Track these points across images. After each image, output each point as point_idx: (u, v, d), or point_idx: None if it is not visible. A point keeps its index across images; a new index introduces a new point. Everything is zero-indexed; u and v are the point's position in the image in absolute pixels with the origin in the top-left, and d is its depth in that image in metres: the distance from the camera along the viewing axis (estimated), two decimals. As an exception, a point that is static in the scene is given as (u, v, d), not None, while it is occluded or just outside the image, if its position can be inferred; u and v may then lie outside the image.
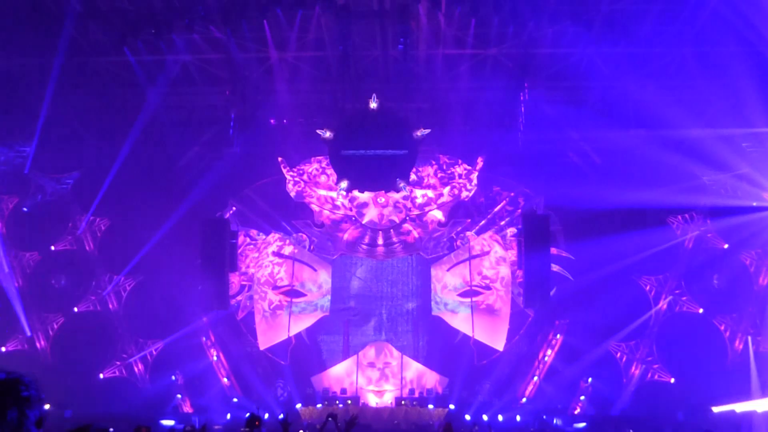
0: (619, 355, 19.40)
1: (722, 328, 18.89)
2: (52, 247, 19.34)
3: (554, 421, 18.46)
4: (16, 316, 18.10)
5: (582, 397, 19.08)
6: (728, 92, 15.95)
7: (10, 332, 18.58)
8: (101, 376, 18.90)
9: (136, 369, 19.36)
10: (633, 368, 19.23)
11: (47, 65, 15.71)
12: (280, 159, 19.63)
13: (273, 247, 20.21)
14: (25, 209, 19.20)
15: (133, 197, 18.25)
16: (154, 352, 19.43)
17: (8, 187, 18.88)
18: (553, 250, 18.72)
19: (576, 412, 18.89)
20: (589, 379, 19.04)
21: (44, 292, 19.19)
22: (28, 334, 18.46)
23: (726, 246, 18.78)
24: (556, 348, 19.56)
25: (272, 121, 18.91)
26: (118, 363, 19.24)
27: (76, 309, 19.23)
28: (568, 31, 15.54)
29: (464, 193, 19.85)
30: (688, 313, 19.03)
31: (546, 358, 19.61)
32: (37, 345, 18.86)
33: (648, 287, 19.33)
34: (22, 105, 17.16)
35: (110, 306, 19.47)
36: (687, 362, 18.24)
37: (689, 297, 19.08)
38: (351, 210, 19.91)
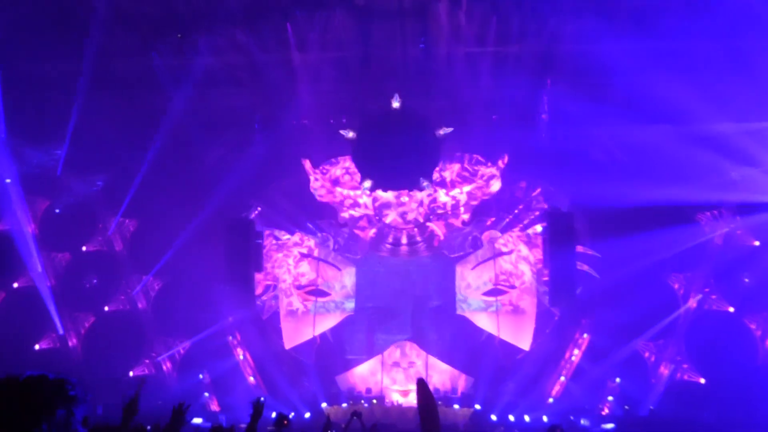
0: (647, 354, 19.09)
1: (753, 327, 18.42)
2: (83, 248, 19.81)
3: (581, 422, 18.23)
4: (49, 315, 18.56)
5: (610, 398, 18.82)
6: (756, 85, 15.61)
7: (43, 331, 19.06)
8: (131, 374, 19.26)
9: (164, 367, 19.70)
10: (662, 368, 18.89)
11: (76, 69, 16.11)
12: (304, 160, 19.80)
13: (297, 247, 20.39)
14: (57, 210, 19.70)
15: (160, 198, 18.58)
16: (182, 351, 19.74)
17: (41, 189, 19.39)
18: (579, 248, 18.54)
19: (604, 413, 18.63)
20: (617, 379, 18.78)
21: (76, 292, 19.64)
22: (61, 332, 18.92)
23: (757, 243, 18.34)
24: (583, 347, 19.32)
25: (294, 121, 19.06)
26: (146, 361, 19.59)
27: (106, 308, 19.65)
28: (591, 26, 15.37)
29: (488, 192, 19.77)
30: (718, 311, 18.62)
31: (573, 358, 19.39)
32: (69, 343, 19.32)
33: (676, 285, 18.99)
34: (53, 109, 17.63)
35: (139, 305, 19.85)
36: (717, 362, 17.85)
37: (719, 295, 18.67)
38: (374, 209, 19.98)
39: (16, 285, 18.91)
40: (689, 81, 15.53)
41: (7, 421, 1.89)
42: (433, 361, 19.83)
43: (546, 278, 19.20)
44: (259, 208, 20.08)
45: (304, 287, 20.20)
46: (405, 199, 19.77)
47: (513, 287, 19.88)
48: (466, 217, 20.02)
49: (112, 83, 17.39)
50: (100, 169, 19.67)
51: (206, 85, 17.77)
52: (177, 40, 16.36)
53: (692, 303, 18.77)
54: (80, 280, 19.85)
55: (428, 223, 20.04)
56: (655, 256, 17.55)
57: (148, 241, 19.44)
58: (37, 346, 19.00)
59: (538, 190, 19.92)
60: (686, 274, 18.93)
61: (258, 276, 19.46)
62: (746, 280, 18.47)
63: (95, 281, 19.93)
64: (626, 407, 18.54)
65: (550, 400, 19.11)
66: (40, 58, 16.29)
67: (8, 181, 17.41)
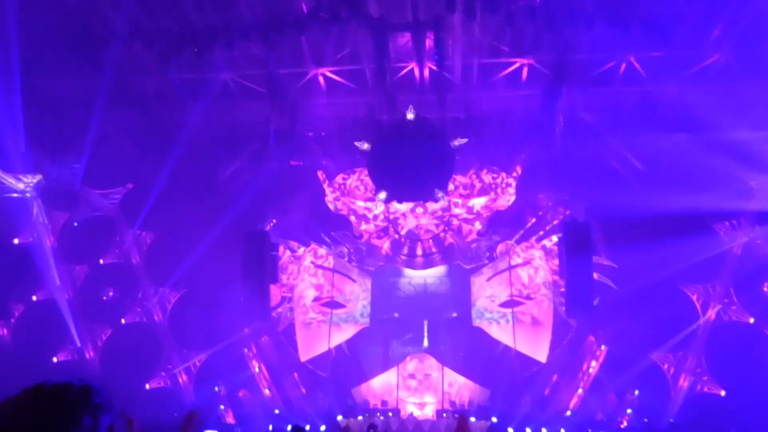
0: (666, 366, 18.84)
1: (775, 338, 18.17)
2: (101, 261, 19.96)
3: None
4: (67, 328, 18.69)
5: (628, 410, 18.58)
6: (775, 93, 15.50)
7: (62, 343, 19.19)
8: (147, 386, 19.31)
9: (180, 380, 19.73)
10: (681, 380, 18.63)
11: (95, 85, 16.31)
12: (319, 172, 19.88)
13: (313, 259, 20.42)
14: (75, 224, 19.90)
15: (177, 211, 18.70)
16: (198, 363, 19.78)
17: (60, 203, 19.60)
18: (596, 259, 18.41)
19: (622, 426, 18.40)
20: (636, 392, 18.55)
21: (93, 304, 19.79)
22: (78, 345, 19.03)
23: (777, 253, 18.13)
24: (601, 359, 19.14)
25: (309, 134, 19.20)
26: (163, 374, 19.64)
27: (123, 320, 19.76)
28: (605, 36, 15.36)
29: (503, 202, 19.72)
30: (738, 322, 18.37)
31: (590, 370, 19.20)
32: (87, 355, 19.42)
33: (695, 296, 18.76)
34: (73, 124, 17.87)
35: (155, 318, 19.94)
36: (738, 374, 17.57)
37: (739, 306, 18.43)
38: (389, 221, 19.99)
39: (35, 297, 19.07)
40: (706, 89, 15.46)
41: (34, 430, 1.89)
42: (449, 372, 19.71)
43: (562, 289, 19.06)
44: (274, 220, 20.15)
45: (320, 299, 20.21)
46: (420, 210, 19.78)
47: (529, 298, 19.76)
48: (481, 228, 19.97)
49: (131, 98, 17.61)
50: (118, 183, 19.89)
51: (222, 99, 17.96)
52: (194, 55, 16.53)
53: (711, 314, 18.53)
54: (98, 292, 20.00)
55: (443, 235, 20.01)
56: (673, 266, 17.36)
57: (165, 253, 19.57)
58: (54, 359, 19.10)
59: (554, 200, 19.84)
60: (705, 285, 18.70)
61: (273, 288, 19.49)
62: (766, 290, 18.23)
63: (112, 294, 20.08)
64: (645, 420, 18.30)
65: (568, 412, 18.91)
66: (60, 74, 16.53)
67: (28, 194, 17.63)
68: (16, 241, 18.31)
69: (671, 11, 15.08)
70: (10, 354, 18.39)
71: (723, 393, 18.09)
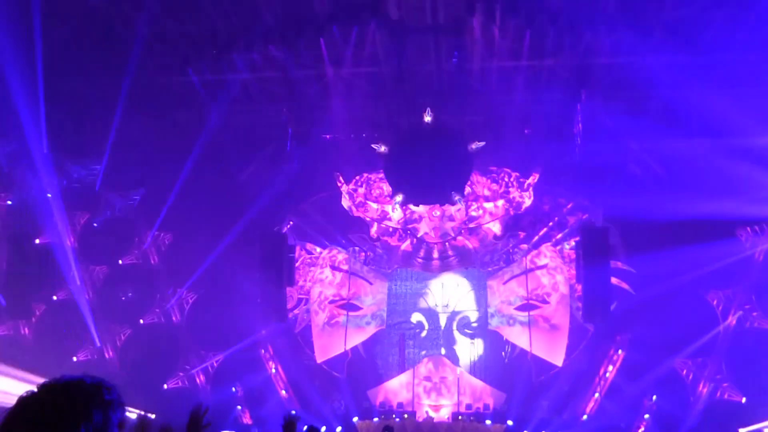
0: (685, 372, 18.68)
1: (797, 345, 17.93)
2: (120, 261, 20.12)
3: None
4: (87, 328, 18.87)
5: (646, 416, 18.44)
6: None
7: (82, 342, 19.39)
8: (165, 386, 19.46)
9: (198, 380, 19.86)
10: (701, 386, 18.45)
11: (116, 87, 16.44)
12: (336, 174, 19.90)
13: (329, 261, 20.46)
14: (95, 224, 20.08)
15: (195, 212, 18.81)
16: (215, 364, 19.89)
17: (80, 204, 19.77)
18: (614, 264, 18.28)
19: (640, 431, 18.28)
20: (654, 397, 18.40)
21: (112, 305, 19.95)
22: (98, 344, 19.20)
23: (799, 259, 17.89)
24: (618, 364, 19.02)
25: (327, 136, 19.24)
26: (181, 374, 19.78)
27: (141, 321, 19.91)
28: (627, 39, 15.24)
29: (520, 206, 19.62)
30: (760, 329, 18.16)
31: (607, 375, 19.10)
32: (106, 355, 19.58)
33: (715, 302, 18.56)
34: (94, 125, 18.04)
35: (173, 318, 20.07)
36: (759, 381, 17.38)
37: (760, 312, 18.22)
38: (406, 223, 19.98)
39: (55, 297, 19.28)
40: (729, 94, 15.27)
41: (46, 426, 1.90)
42: (465, 375, 19.67)
43: (579, 293, 18.95)
44: (291, 222, 20.20)
45: (336, 301, 20.24)
46: (437, 213, 19.73)
47: (546, 302, 19.67)
48: (498, 231, 19.90)
49: (151, 99, 17.73)
50: (138, 184, 20.03)
51: (241, 101, 18.03)
52: (213, 57, 16.62)
53: (732, 320, 18.33)
54: (117, 293, 20.16)
55: (460, 238, 19.95)
56: (693, 271, 17.18)
57: (183, 254, 19.68)
58: (75, 358, 19.29)
59: (571, 204, 19.71)
60: (726, 291, 18.50)
61: (290, 290, 19.55)
62: (788, 297, 18.01)
63: (131, 294, 20.24)
64: (663, 426, 18.13)
65: (585, 417, 18.82)
66: (80, 75, 16.66)
67: (50, 195, 17.82)
68: (37, 241, 18.49)
69: (694, 15, 14.92)
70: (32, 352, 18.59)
71: (744, 400, 17.89)
